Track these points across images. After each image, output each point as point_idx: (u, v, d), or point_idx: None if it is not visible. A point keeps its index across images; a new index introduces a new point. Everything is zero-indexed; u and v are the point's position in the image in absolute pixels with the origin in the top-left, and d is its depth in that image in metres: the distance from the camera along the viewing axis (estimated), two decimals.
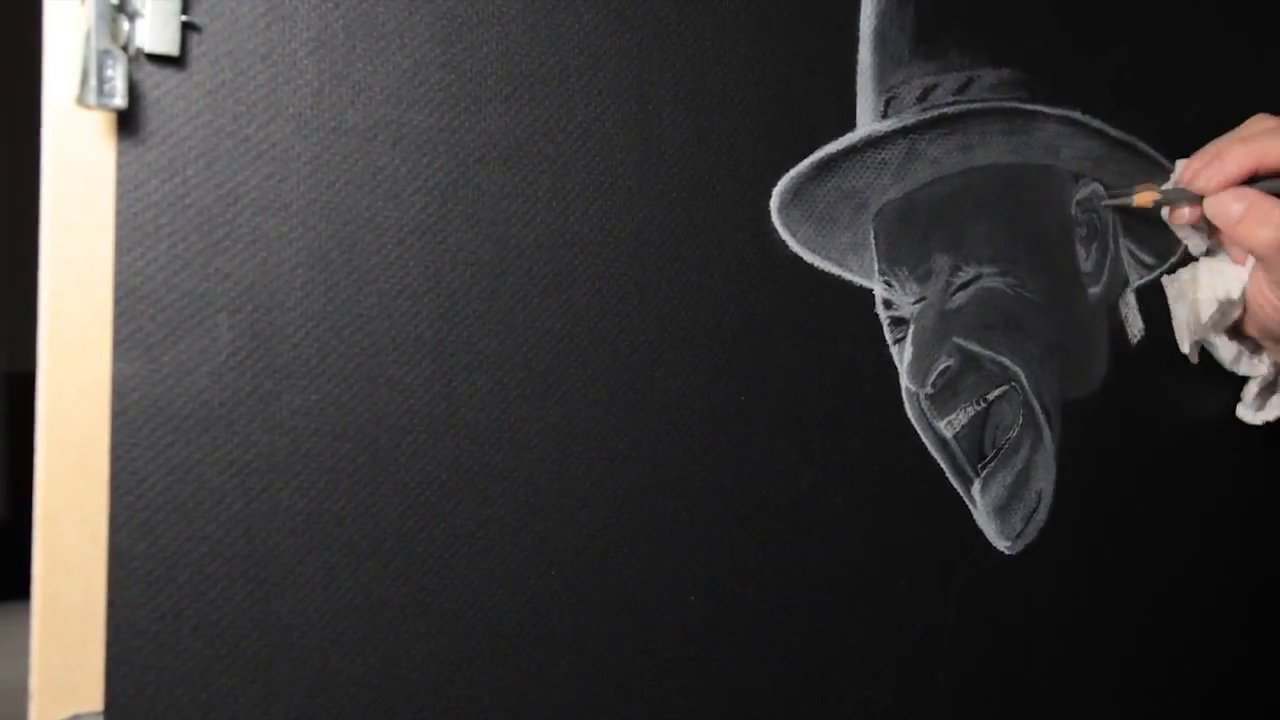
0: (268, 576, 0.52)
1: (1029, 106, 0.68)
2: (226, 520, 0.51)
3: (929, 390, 0.65)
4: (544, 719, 0.57)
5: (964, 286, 0.66)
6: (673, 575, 0.60)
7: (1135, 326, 0.72)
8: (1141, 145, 0.72)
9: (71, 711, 0.49)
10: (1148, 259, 0.72)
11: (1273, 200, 0.65)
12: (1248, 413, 0.74)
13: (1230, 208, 0.65)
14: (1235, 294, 0.69)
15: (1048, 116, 0.69)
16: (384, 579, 0.54)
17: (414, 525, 0.55)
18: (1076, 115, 0.70)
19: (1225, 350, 0.72)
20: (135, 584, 0.50)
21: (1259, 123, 0.68)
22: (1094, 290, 0.71)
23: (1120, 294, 0.72)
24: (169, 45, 0.49)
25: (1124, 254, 0.72)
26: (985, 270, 0.67)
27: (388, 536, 0.54)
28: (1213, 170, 0.66)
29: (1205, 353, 0.73)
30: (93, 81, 0.47)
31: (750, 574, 0.61)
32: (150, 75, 0.50)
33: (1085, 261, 0.70)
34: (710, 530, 0.60)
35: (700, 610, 0.60)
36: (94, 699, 0.49)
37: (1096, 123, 0.70)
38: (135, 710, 0.50)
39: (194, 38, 0.51)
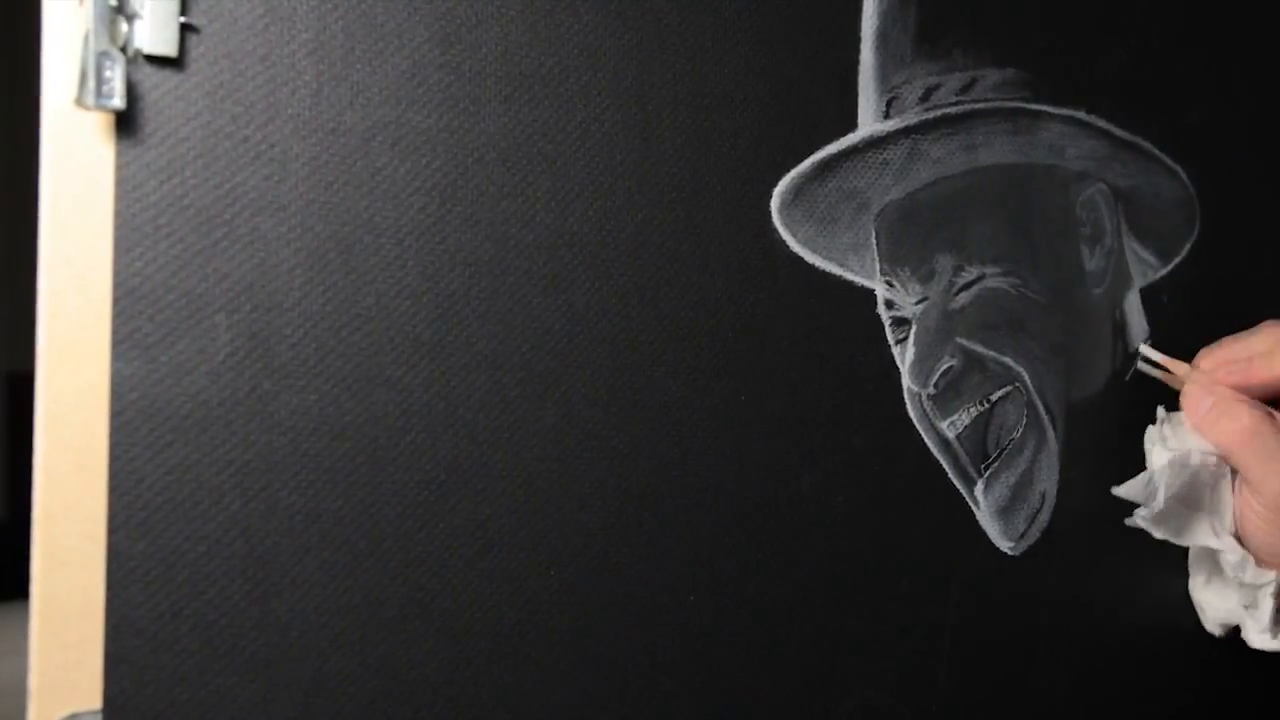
0: (266, 576, 0.52)
1: (1033, 106, 0.68)
2: (225, 520, 0.51)
3: (931, 390, 0.65)
4: (543, 719, 0.57)
5: (967, 287, 0.66)
6: (673, 575, 0.60)
7: (1139, 327, 0.72)
8: (1146, 145, 0.71)
9: (70, 710, 0.49)
10: (1152, 259, 0.72)
11: (1240, 397, 0.64)
12: (1263, 638, 0.66)
13: (1200, 401, 0.65)
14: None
15: (1052, 116, 0.69)
16: (383, 578, 0.54)
17: (413, 525, 0.55)
18: (1081, 115, 0.69)
19: (1232, 554, 0.66)
20: (134, 583, 0.50)
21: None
22: (1098, 290, 0.70)
23: (1124, 294, 0.71)
24: (168, 46, 0.50)
25: (1129, 254, 0.71)
26: (989, 270, 0.67)
27: (386, 536, 0.54)
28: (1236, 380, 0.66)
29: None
30: (91, 83, 0.47)
31: (750, 574, 0.61)
32: (149, 76, 0.50)
33: (1090, 261, 0.70)
34: (710, 530, 0.60)
35: (700, 610, 0.60)
36: (93, 698, 0.49)
37: (1101, 123, 0.70)
38: (134, 709, 0.50)
39: (193, 39, 0.51)
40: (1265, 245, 0.76)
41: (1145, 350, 0.70)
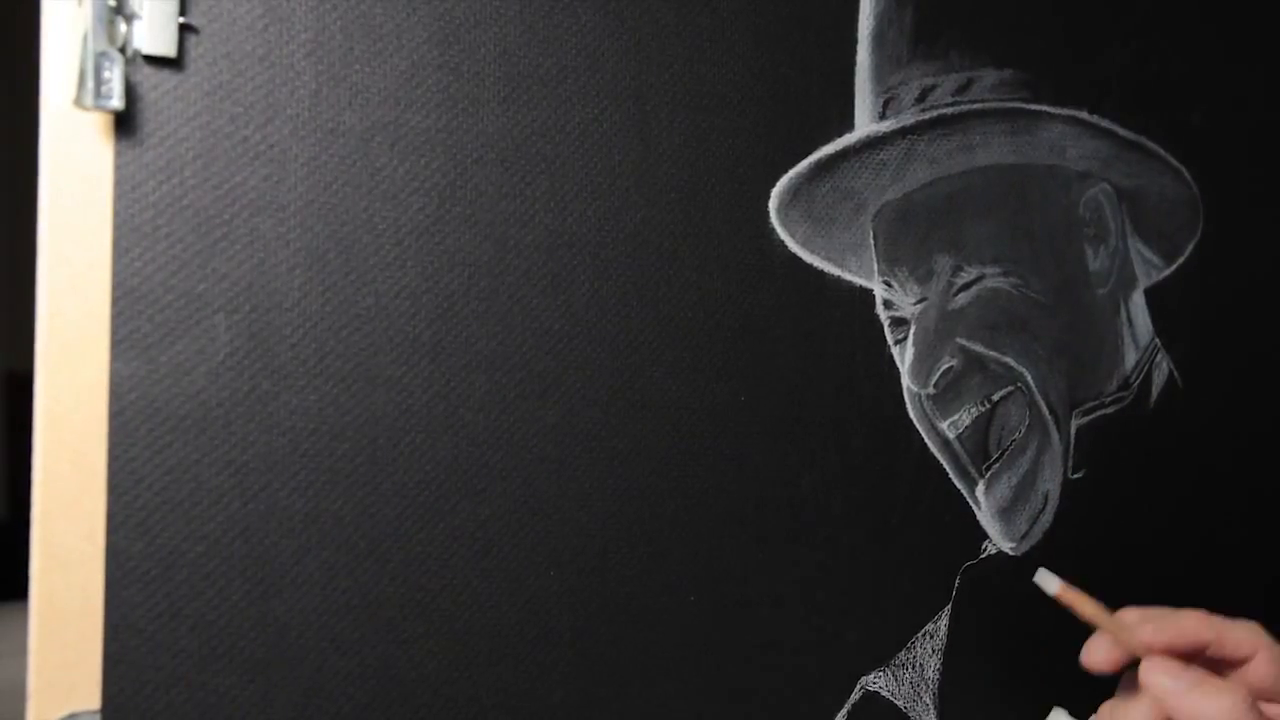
0: (265, 576, 0.52)
1: (1033, 107, 0.68)
2: (224, 520, 0.51)
3: (931, 390, 0.65)
4: (543, 719, 0.57)
5: (966, 287, 0.66)
6: (673, 575, 0.60)
7: (1143, 328, 0.71)
8: (1150, 145, 0.71)
9: (69, 710, 0.49)
10: (1156, 259, 0.72)
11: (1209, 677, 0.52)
12: None
13: (1165, 682, 0.52)
14: None
15: (1053, 116, 0.68)
16: (382, 579, 0.54)
17: (412, 525, 0.55)
18: (1083, 115, 0.69)
19: None
20: (133, 583, 0.50)
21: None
22: (1102, 291, 0.70)
23: (1129, 294, 0.71)
24: (166, 47, 0.50)
25: (1133, 254, 0.71)
26: (988, 271, 0.66)
27: (386, 536, 0.54)
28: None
29: None
30: (90, 83, 0.47)
31: (750, 574, 0.61)
32: (148, 77, 0.50)
33: (1094, 261, 0.70)
34: (710, 530, 0.60)
35: (700, 610, 0.60)
36: (91, 698, 0.49)
37: (1105, 123, 0.70)
38: (132, 709, 0.50)
39: (191, 39, 0.51)
40: (1269, 243, 0.75)
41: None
